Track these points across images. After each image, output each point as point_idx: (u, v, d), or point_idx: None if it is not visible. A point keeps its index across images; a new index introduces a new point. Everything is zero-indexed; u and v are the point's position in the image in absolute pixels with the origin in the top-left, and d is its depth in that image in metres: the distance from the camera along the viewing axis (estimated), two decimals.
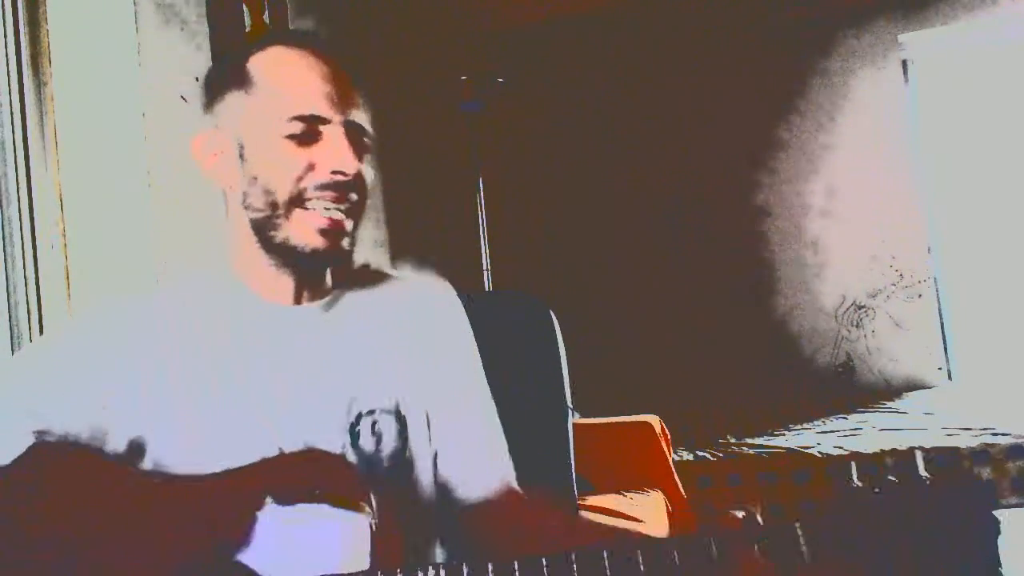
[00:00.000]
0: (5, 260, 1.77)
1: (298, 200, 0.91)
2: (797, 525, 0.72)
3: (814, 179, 4.64)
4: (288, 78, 0.93)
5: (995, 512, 0.66)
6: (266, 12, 2.36)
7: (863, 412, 3.79)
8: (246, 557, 0.77)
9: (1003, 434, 2.96)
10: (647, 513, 2.25)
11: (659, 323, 4.67)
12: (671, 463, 2.59)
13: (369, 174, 0.96)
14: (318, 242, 0.91)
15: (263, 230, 0.93)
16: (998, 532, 0.66)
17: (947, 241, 4.55)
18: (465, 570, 0.72)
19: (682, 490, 2.55)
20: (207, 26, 2.13)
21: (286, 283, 0.96)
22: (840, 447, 3.03)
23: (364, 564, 0.75)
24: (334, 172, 0.90)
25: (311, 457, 0.87)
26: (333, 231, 0.92)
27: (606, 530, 0.94)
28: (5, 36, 1.80)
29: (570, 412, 1.23)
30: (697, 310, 4.65)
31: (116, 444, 0.92)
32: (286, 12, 2.49)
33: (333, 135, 0.91)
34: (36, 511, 0.84)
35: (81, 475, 0.87)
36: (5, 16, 1.80)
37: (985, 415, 3.33)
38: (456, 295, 1.07)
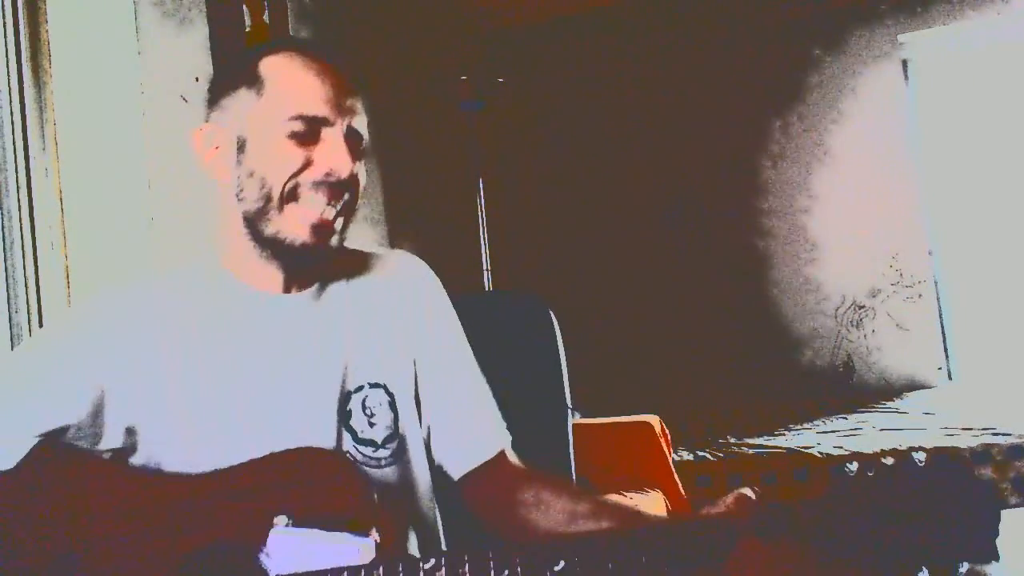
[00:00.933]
0: (5, 260, 1.77)
1: (292, 195, 0.94)
2: (797, 511, 0.72)
3: (814, 179, 4.64)
4: (296, 80, 0.96)
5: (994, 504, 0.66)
6: (266, 12, 2.36)
7: (863, 412, 3.78)
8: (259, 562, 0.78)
9: (1003, 434, 2.95)
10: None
11: (659, 323, 4.67)
12: (671, 463, 2.59)
13: (362, 179, 0.99)
14: (307, 237, 0.94)
15: (255, 223, 0.95)
16: (998, 518, 0.66)
17: (947, 241, 4.55)
18: (466, 560, 0.72)
19: (682, 490, 2.55)
20: (207, 26, 2.13)
21: (274, 274, 0.99)
22: (840, 447, 3.02)
23: None
24: (329, 173, 0.93)
25: (312, 456, 0.88)
26: (323, 228, 0.95)
27: (609, 510, 0.94)
28: (5, 36, 1.80)
29: (570, 412, 1.23)
30: (697, 310, 4.65)
31: (112, 435, 0.93)
32: (286, 12, 2.49)
33: (332, 137, 0.94)
34: (39, 514, 0.85)
35: (82, 478, 0.88)
36: (5, 16, 1.80)
37: (985, 415, 3.32)
38: (429, 269, 1.11)
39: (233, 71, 1.00)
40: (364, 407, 0.97)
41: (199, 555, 0.81)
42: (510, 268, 4.18)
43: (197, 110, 2.04)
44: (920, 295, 4.49)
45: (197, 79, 2.07)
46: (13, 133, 1.79)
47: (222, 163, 0.98)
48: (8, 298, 1.77)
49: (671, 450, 2.68)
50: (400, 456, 0.99)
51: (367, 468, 0.96)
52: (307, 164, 0.93)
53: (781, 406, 4.05)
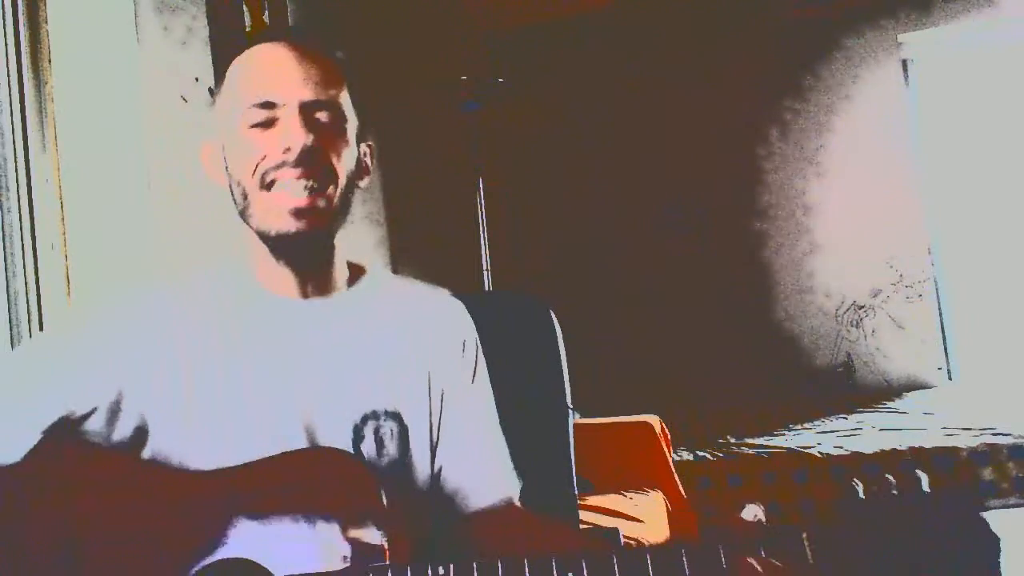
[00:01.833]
0: (5, 260, 1.77)
1: (264, 184, 0.92)
2: (804, 536, 0.72)
3: (814, 179, 4.64)
4: (249, 70, 0.96)
5: (995, 513, 0.67)
6: (266, 12, 2.36)
7: (863, 412, 3.78)
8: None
9: (1003, 434, 2.95)
10: (647, 513, 2.25)
11: (659, 323, 4.67)
12: (671, 463, 2.59)
13: (340, 149, 0.95)
14: (290, 225, 0.92)
15: (246, 221, 0.96)
16: (999, 550, 0.66)
17: (947, 242, 4.55)
18: (475, 568, 0.72)
19: (682, 490, 2.55)
20: (207, 26, 2.13)
21: (286, 275, 0.97)
22: (840, 447, 3.02)
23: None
24: (286, 150, 0.91)
25: (322, 455, 0.88)
26: (303, 212, 0.92)
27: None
28: (5, 36, 1.80)
29: (570, 412, 1.23)
30: (697, 310, 4.65)
31: (125, 432, 0.93)
32: (286, 12, 2.49)
33: (285, 115, 0.92)
34: (47, 506, 0.85)
35: (89, 471, 0.88)
36: (5, 16, 1.80)
37: (985, 415, 3.32)
38: (467, 312, 1.07)
39: (217, 83, 1.02)
40: (377, 435, 0.96)
41: (206, 548, 0.81)
42: (510, 268, 4.18)
43: (197, 110, 2.04)
44: (920, 295, 4.49)
45: (197, 79, 2.07)
46: (13, 133, 1.78)
47: (220, 174, 0.98)
48: (8, 298, 1.76)
49: (671, 450, 2.68)
50: (404, 484, 0.97)
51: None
52: (266, 149, 0.92)
53: (781, 406, 4.05)
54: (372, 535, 0.78)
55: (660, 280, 4.71)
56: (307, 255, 0.98)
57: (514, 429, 1.05)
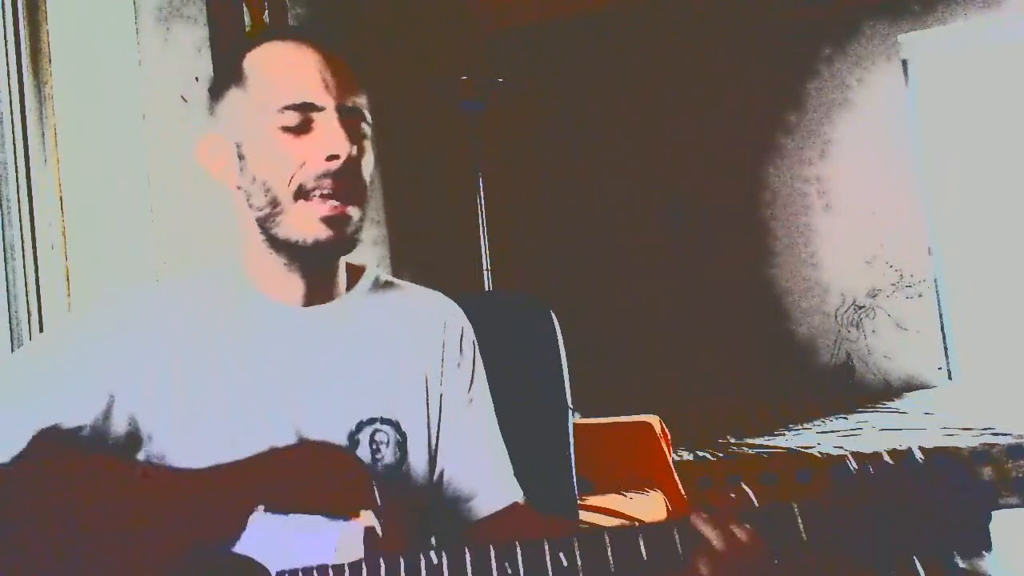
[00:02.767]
0: (5, 260, 1.77)
1: (299, 193, 0.89)
2: (795, 506, 0.73)
3: (814, 179, 4.64)
4: (280, 69, 0.92)
5: (995, 514, 0.67)
6: (266, 12, 2.36)
7: (863, 412, 3.78)
8: (240, 549, 0.78)
9: (1003, 434, 2.96)
10: (647, 513, 2.25)
11: (659, 323, 4.67)
12: (671, 463, 2.59)
13: (368, 160, 0.94)
14: (321, 233, 0.89)
15: (267, 228, 0.92)
16: (990, 509, 0.66)
17: (947, 241, 4.55)
18: (467, 555, 0.72)
19: (682, 490, 2.55)
20: (207, 26, 2.13)
21: (296, 283, 0.96)
22: (840, 447, 3.02)
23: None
24: (329, 158, 0.88)
25: (320, 451, 0.88)
26: (336, 218, 0.90)
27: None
28: (5, 36, 1.80)
29: (570, 412, 1.23)
30: (697, 310, 4.65)
31: (119, 433, 0.92)
32: (286, 12, 2.49)
33: (326, 121, 0.89)
34: (38, 506, 0.85)
35: (82, 470, 0.88)
36: (5, 16, 1.80)
37: (985, 415, 3.32)
38: (464, 315, 1.06)
39: (222, 74, 0.97)
40: (372, 441, 0.94)
41: (202, 547, 0.81)
42: (510, 268, 4.18)
43: (197, 110, 2.04)
44: (920, 295, 4.49)
45: (197, 79, 2.07)
46: (13, 133, 1.78)
47: (229, 173, 0.95)
48: (8, 298, 1.77)
49: (671, 450, 2.67)
50: (400, 490, 0.96)
51: None
52: (306, 156, 0.89)
53: (781, 406, 4.05)
54: (344, 517, 0.78)
55: (660, 280, 4.71)
56: (326, 264, 0.96)
57: (514, 429, 1.05)
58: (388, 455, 0.95)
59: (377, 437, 0.95)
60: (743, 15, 4.70)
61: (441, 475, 0.99)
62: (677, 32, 4.78)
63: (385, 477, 0.93)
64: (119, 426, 0.92)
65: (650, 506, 2.34)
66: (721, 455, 3.12)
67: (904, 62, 4.61)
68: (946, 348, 4.49)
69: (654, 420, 2.65)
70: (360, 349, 0.98)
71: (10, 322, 1.76)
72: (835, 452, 2.98)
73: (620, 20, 4.77)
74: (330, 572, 0.75)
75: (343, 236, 0.91)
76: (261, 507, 0.78)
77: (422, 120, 3.56)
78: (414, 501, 0.97)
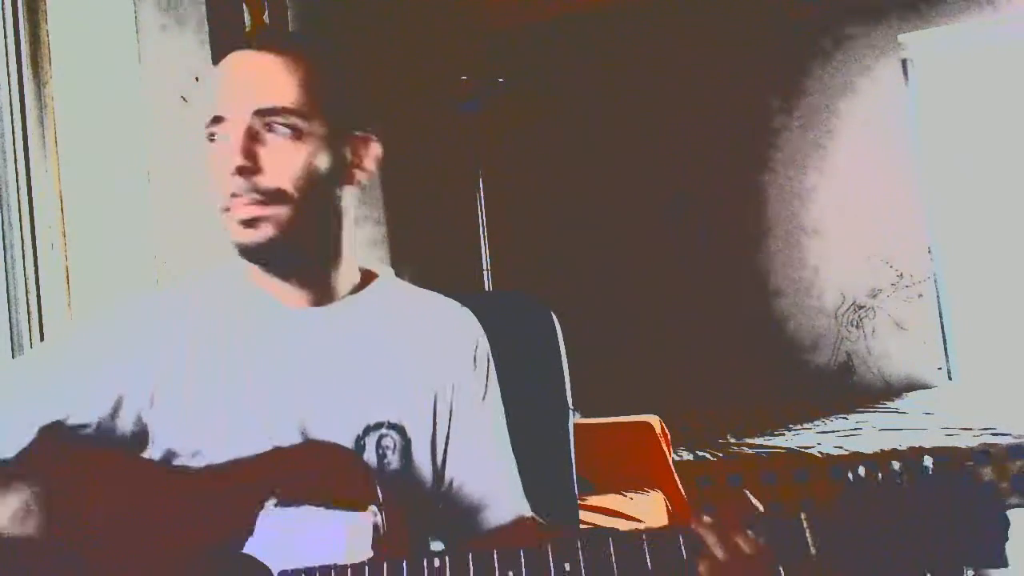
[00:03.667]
0: (5, 260, 1.77)
1: (229, 200, 0.90)
2: (803, 516, 0.72)
3: (814, 178, 4.64)
4: (215, 82, 0.94)
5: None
6: (266, 12, 2.36)
7: (863, 412, 3.78)
8: (249, 549, 0.78)
9: (1003, 434, 2.95)
10: (647, 513, 2.25)
11: (659, 323, 4.67)
12: (671, 463, 2.59)
13: (292, 158, 0.91)
14: (242, 236, 0.91)
15: None
16: (1006, 524, 0.65)
17: (947, 241, 4.55)
18: (471, 559, 0.72)
19: (682, 490, 2.55)
20: (207, 26, 2.13)
21: (278, 284, 0.97)
22: (840, 447, 3.02)
23: (366, 557, 0.76)
24: (232, 170, 0.89)
25: (324, 450, 0.88)
26: (250, 221, 0.90)
27: None
28: (5, 36, 1.80)
29: (570, 412, 1.23)
30: (697, 310, 4.65)
31: (126, 433, 0.93)
32: (286, 12, 2.49)
33: (234, 131, 0.90)
34: (43, 503, 0.85)
35: (87, 467, 0.88)
36: (5, 16, 1.80)
37: (985, 415, 3.32)
38: (478, 323, 1.05)
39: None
40: (379, 446, 0.94)
41: (207, 544, 0.81)
42: (510, 268, 4.18)
43: (197, 110, 2.04)
44: (920, 295, 4.48)
45: (197, 79, 2.07)
46: (13, 133, 1.79)
47: None
48: (8, 299, 1.77)
49: (671, 450, 2.67)
50: (404, 495, 0.96)
51: None
52: (224, 167, 0.90)
53: (781, 406, 4.05)
54: (353, 510, 0.78)
55: (660, 280, 4.71)
56: (282, 264, 0.95)
57: (514, 429, 1.05)
58: (395, 461, 0.95)
59: (384, 442, 0.95)
60: (743, 15, 4.70)
61: (451, 484, 0.99)
62: (676, 32, 4.78)
63: (391, 482, 0.93)
64: (126, 425, 0.93)
65: (650, 506, 2.34)
66: (721, 455, 3.12)
67: (904, 62, 4.61)
68: (946, 348, 4.49)
69: (654, 420, 2.65)
70: (367, 352, 0.98)
71: (10, 322, 1.76)
72: (835, 452, 2.98)
73: (620, 20, 4.77)
74: (332, 574, 0.75)
75: (263, 238, 0.90)
76: (272, 501, 0.78)
77: (422, 120, 3.56)
78: (418, 505, 0.97)
